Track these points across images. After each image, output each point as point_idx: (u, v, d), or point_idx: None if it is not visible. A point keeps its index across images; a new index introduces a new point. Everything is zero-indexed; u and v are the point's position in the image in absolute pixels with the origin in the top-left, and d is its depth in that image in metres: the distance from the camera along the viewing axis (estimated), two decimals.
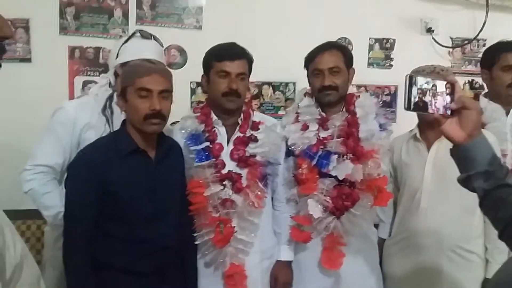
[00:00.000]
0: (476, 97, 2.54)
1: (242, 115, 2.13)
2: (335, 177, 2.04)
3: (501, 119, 2.35)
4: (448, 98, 1.19)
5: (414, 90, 1.16)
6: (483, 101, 2.42)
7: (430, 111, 1.18)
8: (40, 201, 1.96)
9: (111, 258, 1.75)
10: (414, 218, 2.17)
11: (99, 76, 2.60)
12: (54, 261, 1.93)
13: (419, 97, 1.17)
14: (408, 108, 1.17)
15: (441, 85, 1.19)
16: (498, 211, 1.18)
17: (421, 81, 1.17)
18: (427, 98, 1.17)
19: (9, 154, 2.51)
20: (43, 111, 2.17)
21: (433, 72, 2.11)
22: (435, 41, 3.03)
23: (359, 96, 2.20)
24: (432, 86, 1.18)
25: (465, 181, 1.23)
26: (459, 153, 1.22)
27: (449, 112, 1.20)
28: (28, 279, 0.85)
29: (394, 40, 3.04)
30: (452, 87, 1.20)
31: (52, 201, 1.94)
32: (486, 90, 2.54)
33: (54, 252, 1.99)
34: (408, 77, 1.16)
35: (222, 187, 2.01)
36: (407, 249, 2.20)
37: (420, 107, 1.17)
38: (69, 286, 1.70)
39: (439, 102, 1.19)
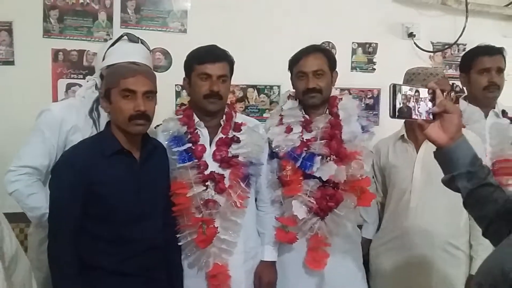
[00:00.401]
0: (457, 100, 2.58)
1: (224, 116, 2.15)
2: (319, 178, 2.07)
3: (480, 121, 2.40)
4: (430, 104, 1.25)
5: (398, 98, 1.21)
6: (463, 104, 2.48)
7: (414, 117, 1.24)
8: (25, 202, 1.94)
9: (97, 259, 1.75)
10: (403, 217, 2.20)
11: (83, 79, 2.60)
12: (39, 264, 1.92)
13: (403, 104, 1.22)
14: (393, 115, 1.22)
15: (423, 92, 1.25)
16: (481, 209, 1.24)
17: (404, 89, 1.22)
18: (411, 105, 1.23)
19: None
20: (27, 114, 2.16)
21: (426, 74, 2.16)
22: (417, 45, 3.08)
23: (341, 98, 2.24)
24: (415, 93, 1.24)
25: (449, 182, 1.28)
26: (442, 155, 1.28)
27: (431, 117, 1.25)
28: (21, 272, 0.85)
29: (376, 44, 3.08)
30: (433, 93, 1.25)
31: (38, 203, 1.93)
32: (466, 93, 2.59)
33: (39, 254, 1.98)
34: (391, 86, 1.22)
35: (204, 188, 2.03)
36: (396, 248, 2.23)
37: (404, 114, 1.23)
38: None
39: (422, 108, 1.24)
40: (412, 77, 2.21)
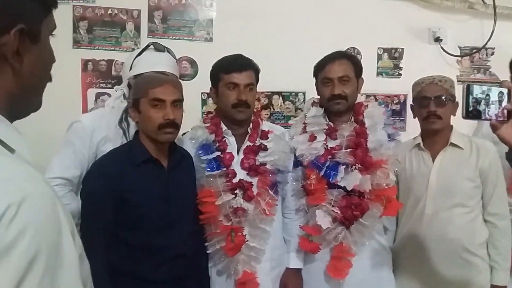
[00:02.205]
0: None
1: (251, 124, 2.17)
2: (344, 187, 2.07)
3: None
4: (503, 104, 1.23)
5: (471, 99, 1.21)
6: None
7: (486, 117, 1.23)
8: None
9: (128, 266, 1.79)
10: (418, 224, 2.19)
11: (112, 88, 2.65)
12: None
13: (473, 106, 1.21)
14: (466, 116, 1.22)
15: (495, 92, 1.23)
16: None
17: (477, 89, 1.21)
18: (482, 107, 1.21)
19: None
20: (58, 124, 2.21)
21: (432, 83, 2.15)
22: (444, 50, 3.05)
23: (367, 105, 2.23)
24: (487, 94, 1.22)
25: None
26: None
27: (505, 118, 1.23)
28: (85, 271, 0.89)
29: (402, 49, 3.07)
30: (508, 92, 1.23)
31: (71, 213, 1.96)
32: None
33: None
34: (465, 86, 1.21)
35: (233, 196, 2.05)
36: (413, 255, 2.22)
37: (476, 115, 1.22)
38: None
39: (493, 109, 1.23)
40: (415, 88, 2.24)
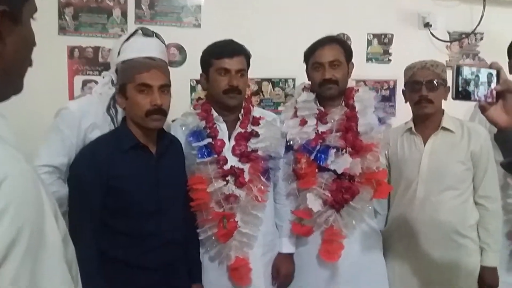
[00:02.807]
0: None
1: (242, 110, 2.15)
2: (334, 171, 2.07)
3: None
4: (492, 85, 1.23)
5: (460, 80, 1.21)
6: None
7: (475, 98, 1.22)
8: None
9: (118, 253, 1.77)
10: (410, 208, 2.21)
11: (99, 75, 2.61)
12: None
13: (463, 87, 1.21)
14: (456, 97, 1.22)
15: (484, 74, 1.23)
16: None
17: (466, 70, 1.21)
18: (471, 88, 1.21)
19: None
20: (44, 111, 2.18)
21: (423, 67, 2.14)
22: (433, 35, 3.04)
23: (358, 90, 2.23)
24: (476, 75, 1.22)
25: (508, 166, 1.25)
26: (503, 138, 1.25)
27: (493, 99, 1.23)
28: (70, 253, 0.89)
29: (392, 35, 3.06)
30: (497, 73, 1.23)
31: (59, 201, 1.93)
32: None
33: None
34: (455, 67, 1.21)
35: (225, 183, 2.04)
36: (404, 238, 2.23)
37: (465, 96, 1.22)
38: None
39: (483, 90, 1.22)
40: (407, 72, 2.23)
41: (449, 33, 3.12)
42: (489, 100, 1.23)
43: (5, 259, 0.66)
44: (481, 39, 3.09)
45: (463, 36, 3.10)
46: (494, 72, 1.23)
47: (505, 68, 2.45)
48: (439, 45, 3.07)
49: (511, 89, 1.21)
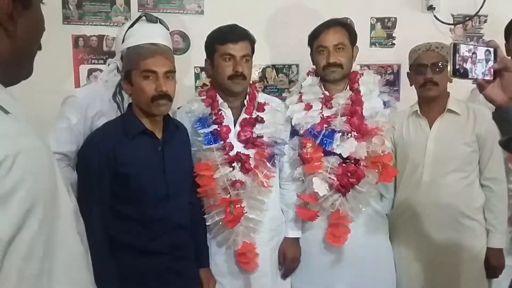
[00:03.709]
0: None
1: (247, 96, 2.16)
2: (340, 155, 2.08)
3: None
4: (490, 64, 1.23)
5: (457, 57, 1.21)
6: None
7: (473, 76, 1.23)
8: None
9: (127, 238, 1.79)
10: (416, 190, 2.21)
11: (103, 64, 2.60)
12: None
13: (460, 65, 1.21)
14: (453, 74, 1.22)
15: (481, 51, 1.23)
16: None
17: (463, 48, 1.21)
18: (468, 66, 1.22)
19: None
20: (50, 100, 2.20)
21: (428, 49, 2.14)
22: (437, 18, 3.01)
23: (362, 74, 2.23)
24: (474, 52, 1.22)
25: (507, 144, 1.25)
26: (500, 116, 1.26)
27: (491, 77, 1.24)
28: (81, 226, 0.93)
29: (395, 18, 3.03)
30: (495, 51, 1.23)
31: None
32: None
33: None
34: (452, 44, 1.21)
35: (231, 169, 2.05)
36: (410, 221, 2.24)
37: (462, 74, 1.22)
38: None
39: (479, 69, 1.23)
40: (412, 55, 2.24)
41: (452, 15, 3.08)
42: (487, 78, 1.23)
43: (22, 227, 0.69)
44: (485, 21, 3.06)
45: (467, 18, 3.07)
46: (491, 49, 1.23)
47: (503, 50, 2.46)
48: (442, 28, 3.05)
49: (508, 67, 1.21)
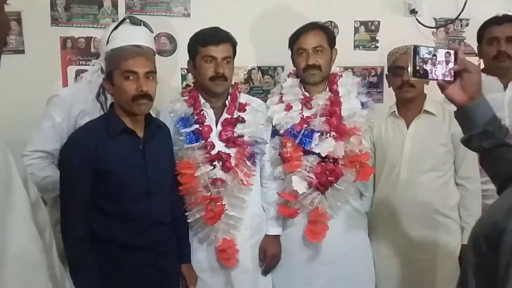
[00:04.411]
0: None
1: (229, 97, 2.21)
2: (318, 154, 2.13)
3: (498, 92, 2.40)
4: (450, 65, 1.27)
5: (417, 59, 1.26)
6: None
7: (433, 77, 1.28)
8: (40, 184, 1.98)
9: (108, 234, 1.84)
10: (394, 189, 2.28)
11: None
12: (57, 243, 2.00)
13: (420, 66, 1.26)
14: (413, 75, 1.27)
15: (442, 54, 1.27)
16: (497, 169, 1.27)
17: (423, 50, 1.26)
18: (428, 67, 1.26)
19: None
20: (38, 101, 2.24)
21: (405, 52, 2.20)
22: (419, 22, 3.07)
23: (341, 75, 2.29)
24: (434, 54, 1.27)
25: (468, 141, 1.31)
26: (461, 115, 1.31)
27: (452, 78, 1.28)
28: (42, 217, 0.95)
29: (378, 22, 3.09)
30: (455, 54, 1.28)
31: (52, 185, 1.99)
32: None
33: (55, 233, 2.06)
34: (412, 47, 1.26)
35: (212, 167, 2.11)
36: (388, 218, 2.30)
37: (422, 75, 1.27)
38: (69, 261, 1.76)
39: (439, 70, 1.27)
40: (389, 57, 2.32)
41: (435, 19, 3.14)
42: (447, 78, 1.28)
43: None
44: (467, 25, 3.12)
45: (449, 22, 3.13)
46: (452, 52, 1.28)
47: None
48: (425, 31, 3.11)
49: (468, 68, 1.26)
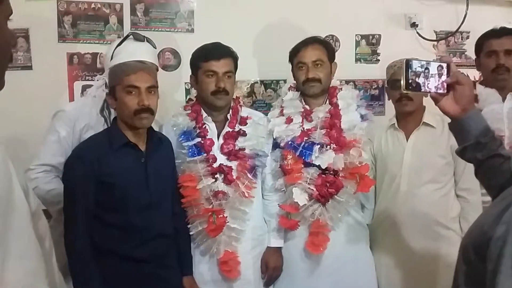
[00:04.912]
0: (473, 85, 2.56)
1: (230, 111, 2.25)
2: (319, 166, 2.16)
3: (497, 104, 2.41)
4: (443, 78, 1.29)
5: (410, 72, 1.28)
6: (479, 88, 2.47)
7: (426, 90, 1.29)
8: (45, 198, 2.03)
9: (110, 245, 1.87)
10: (395, 200, 2.30)
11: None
12: (59, 255, 2.04)
13: (412, 79, 1.28)
14: (406, 88, 1.29)
15: (434, 67, 1.30)
16: (491, 179, 1.30)
17: (415, 64, 1.28)
18: (421, 80, 1.28)
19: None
20: (46, 115, 2.28)
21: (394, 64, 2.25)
22: (420, 35, 3.11)
23: (341, 88, 2.32)
24: (426, 67, 1.29)
25: (462, 153, 1.34)
26: (455, 127, 1.33)
27: (444, 91, 1.30)
28: (42, 227, 0.98)
29: (379, 35, 3.13)
30: (447, 67, 1.30)
31: (56, 197, 2.02)
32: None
33: (59, 246, 2.10)
34: (404, 60, 1.28)
35: (214, 180, 2.14)
36: (389, 230, 2.32)
37: (415, 88, 1.29)
38: (72, 273, 1.81)
39: (432, 83, 1.29)
40: (388, 71, 2.36)
41: (435, 32, 3.18)
42: (440, 91, 1.30)
43: None
44: (468, 37, 3.16)
45: (449, 34, 3.16)
46: (444, 65, 1.30)
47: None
48: (426, 44, 3.14)
49: (460, 81, 1.28)
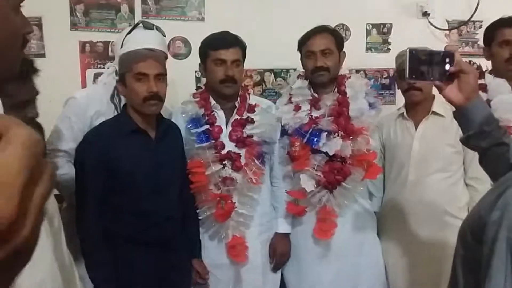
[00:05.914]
0: (482, 75, 2.54)
1: (239, 99, 2.27)
2: (326, 153, 2.17)
3: (506, 94, 2.36)
4: (447, 67, 1.29)
5: (414, 61, 1.28)
6: (488, 78, 2.44)
7: (430, 78, 1.31)
8: (57, 182, 2.06)
9: (120, 229, 1.92)
10: (403, 189, 2.31)
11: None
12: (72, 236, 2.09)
13: (417, 68, 1.28)
14: (409, 77, 1.30)
15: (438, 56, 1.30)
16: (495, 168, 1.30)
17: (420, 53, 1.29)
18: (424, 68, 1.29)
19: None
20: (58, 102, 2.33)
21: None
22: (431, 24, 3.09)
23: (349, 77, 2.32)
24: (430, 57, 1.29)
25: (466, 141, 1.35)
26: (459, 115, 1.34)
27: (448, 80, 1.30)
28: (50, 208, 1.00)
29: (391, 24, 3.12)
30: (451, 55, 1.30)
31: (69, 182, 2.05)
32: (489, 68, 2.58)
33: (72, 228, 2.15)
34: (408, 50, 1.29)
35: (222, 166, 2.16)
36: (397, 218, 2.33)
37: (419, 77, 1.31)
38: (84, 256, 1.86)
39: (436, 71, 1.30)
40: (397, 60, 2.35)
41: (447, 21, 3.16)
42: (444, 80, 1.31)
43: None
44: (480, 27, 3.13)
45: (462, 24, 3.14)
46: (448, 53, 1.30)
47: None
48: (438, 33, 3.12)
49: (464, 69, 1.28)
